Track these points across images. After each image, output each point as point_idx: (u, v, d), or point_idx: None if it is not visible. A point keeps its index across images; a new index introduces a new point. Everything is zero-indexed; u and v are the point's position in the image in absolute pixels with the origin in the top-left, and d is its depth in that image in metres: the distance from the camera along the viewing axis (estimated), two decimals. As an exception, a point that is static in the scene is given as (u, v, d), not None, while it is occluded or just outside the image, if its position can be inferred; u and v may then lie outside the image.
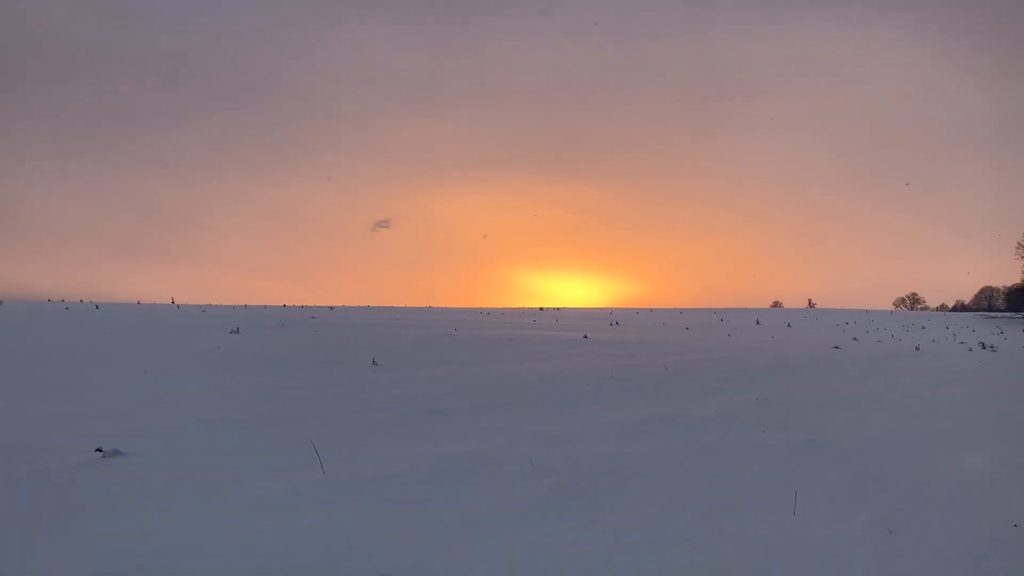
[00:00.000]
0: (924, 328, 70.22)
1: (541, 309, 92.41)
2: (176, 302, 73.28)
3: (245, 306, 68.62)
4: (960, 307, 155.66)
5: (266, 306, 70.20)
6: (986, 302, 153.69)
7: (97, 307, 51.86)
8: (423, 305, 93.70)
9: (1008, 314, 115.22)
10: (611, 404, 10.87)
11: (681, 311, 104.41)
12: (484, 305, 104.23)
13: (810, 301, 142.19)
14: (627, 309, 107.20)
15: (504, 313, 74.59)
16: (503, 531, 5.00)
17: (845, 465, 7.13)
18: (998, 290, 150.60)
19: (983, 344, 37.31)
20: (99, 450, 6.81)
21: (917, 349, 31.00)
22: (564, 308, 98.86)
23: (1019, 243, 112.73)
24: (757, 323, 71.01)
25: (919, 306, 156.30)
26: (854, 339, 43.39)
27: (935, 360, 24.22)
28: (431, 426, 8.76)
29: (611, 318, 67.05)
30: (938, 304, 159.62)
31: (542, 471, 6.54)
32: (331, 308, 67.93)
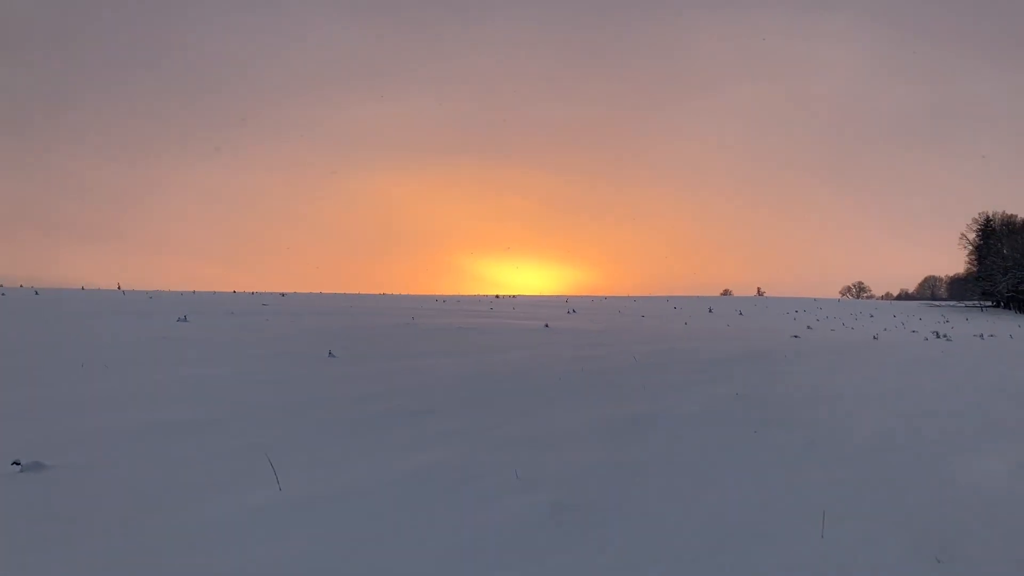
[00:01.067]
0: (872, 316, 71.33)
1: (497, 296, 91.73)
2: (122, 288, 71.01)
3: (193, 292, 66.73)
4: (905, 296, 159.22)
5: (215, 292, 68.36)
6: (929, 291, 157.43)
7: (36, 293, 49.76)
8: (376, 292, 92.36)
9: (951, 303, 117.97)
10: (590, 400, 10.19)
11: (635, 299, 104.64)
12: (438, 292, 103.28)
13: (759, 289, 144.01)
14: (581, 296, 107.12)
15: (460, 300, 73.69)
16: (491, 564, 4.27)
17: (859, 473, 6.52)
18: (941, 280, 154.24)
19: (936, 334, 37.68)
20: (16, 463, 5.88)
21: (875, 339, 31.02)
22: (519, 296, 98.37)
23: (962, 234, 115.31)
24: (710, 311, 71.34)
25: (865, 295, 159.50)
26: (808, 328, 43.59)
27: (896, 350, 24.09)
28: (398, 429, 7.97)
29: (567, 306, 66.68)
30: (883, 293, 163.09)
31: (530, 485, 5.81)
32: (282, 295, 66.37)
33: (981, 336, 37.25)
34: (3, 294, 44.78)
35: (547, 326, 30.63)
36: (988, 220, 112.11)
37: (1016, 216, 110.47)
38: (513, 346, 19.69)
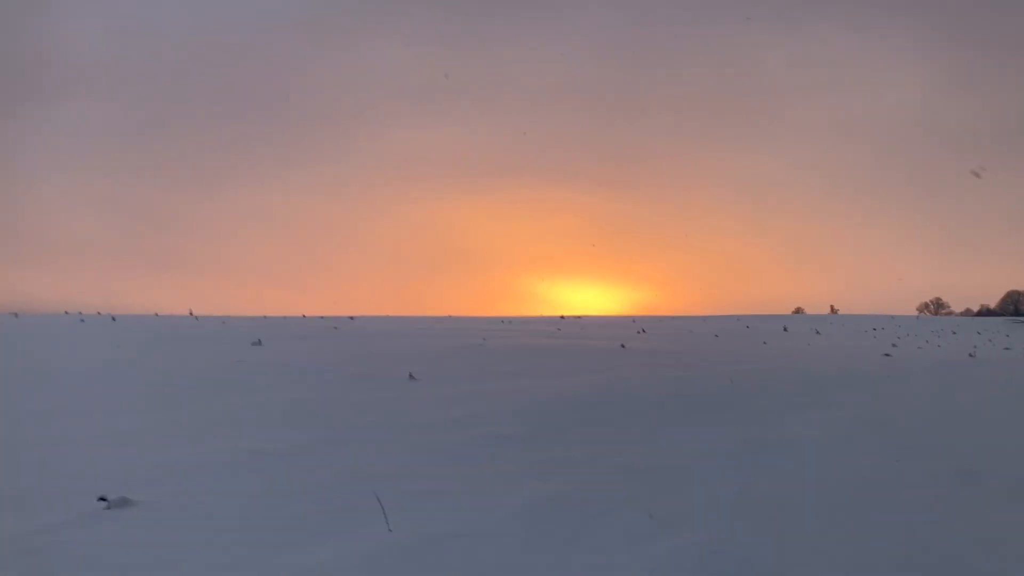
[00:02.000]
0: (955, 333, 68.24)
1: (562, 317, 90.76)
2: (195, 313, 72.28)
3: (264, 317, 67.48)
4: (986, 312, 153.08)
5: (285, 316, 69.03)
6: (1012, 307, 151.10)
7: (114, 319, 50.81)
8: (441, 314, 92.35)
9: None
10: (698, 425, 9.41)
11: (703, 318, 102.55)
12: (502, 314, 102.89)
13: (832, 307, 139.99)
14: (647, 316, 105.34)
15: (526, 321, 73.01)
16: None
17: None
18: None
19: (1036, 350, 35.61)
20: (103, 499, 5.41)
21: (971, 356, 29.35)
22: (584, 316, 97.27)
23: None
24: (785, 329, 69.22)
25: (943, 311, 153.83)
26: (893, 345, 41.71)
27: (997, 368, 22.61)
28: (499, 455, 7.34)
29: (635, 326, 65.44)
30: (963, 308, 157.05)
31: (667, 525, 5.10)
32: (350, 318, 66.67)
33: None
34: (82, 320, 45.81)
35: (623, 346, 29.76)
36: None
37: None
38: (594, 367, 18.95)
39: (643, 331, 54.66)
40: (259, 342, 25.34)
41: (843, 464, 7.19)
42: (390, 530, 4.89)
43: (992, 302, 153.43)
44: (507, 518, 5.26)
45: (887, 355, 29.85)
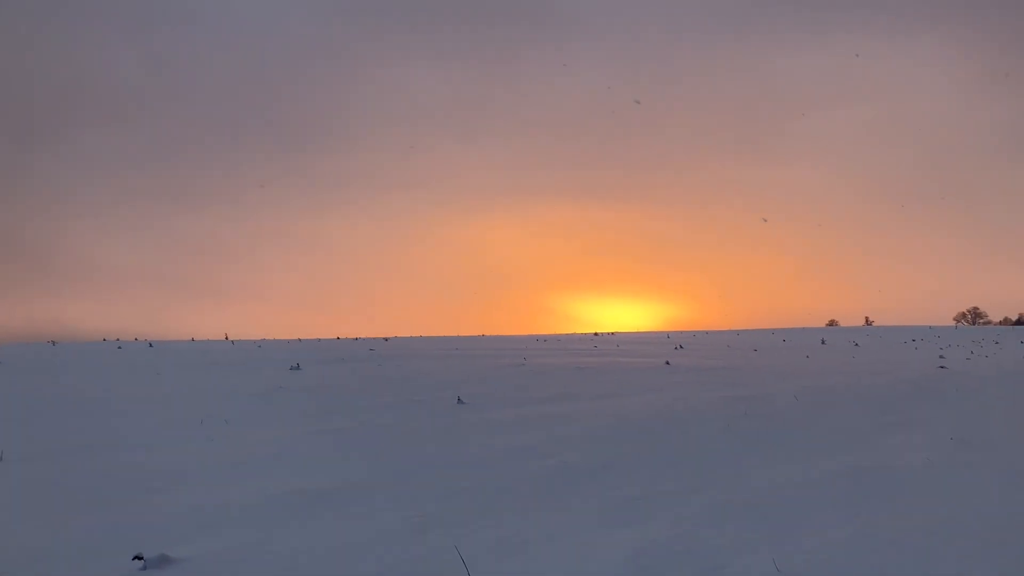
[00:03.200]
0: (997, 343, 66.26)
1: (596, 334, 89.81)
2: (230, 338, 72.35)
3: (299, 340, 67.33)
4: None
5: (320, 339, 68.85)
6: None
7: (151, 345, 50.78)
8: (475, 333, 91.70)
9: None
10: (781, 451, 8.63)
11: (737, 332, 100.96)
12: (536, 332, 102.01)
13: (867, 319, 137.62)
14: (680, 332, 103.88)
15: (560, 339, 72.12)
16: None
17: None
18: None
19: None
20: (139, 557, 4.73)
21: (1032, 365, 28.11)
22: (617, 333, 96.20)
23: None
24: (823, 343, 67.71)
25: (981, 321, 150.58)
26: (941, 356, 40.37)
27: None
28: (580, 493, 6.62)
29: (670, 342, 64.27)
30: (1001, 318, 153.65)
31: (799, 579, 4.38)
32: (385, 339, 66.31)
33: None
34: (120, 348, 45.78)
35: (668, 363, 28.91)
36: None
37: None
38: (645, 387, 18.18)
39: (680, 347, 53.60)
40: (297, 366, 24.85)
41: (964, 496, 6.38)
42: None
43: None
44: (614, 571, 4.56)
45: (942, 367, 28.74)
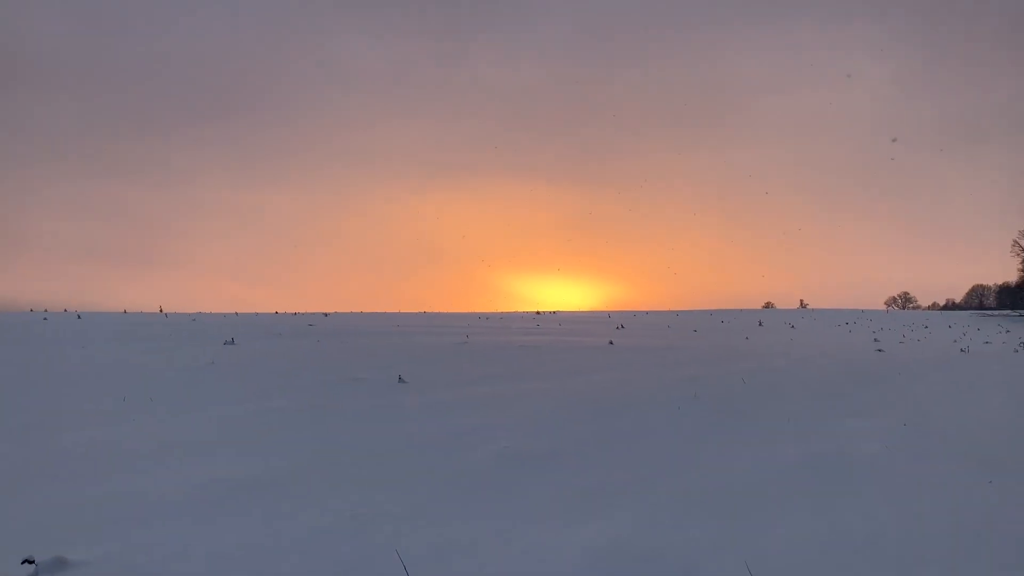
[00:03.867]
0: (927, 327, 68.07)
1: (538, 313, 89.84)
2: (164, 311, 70.26)
3: (236, 314, 65.67)
4: (952, 305, 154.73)
5: (257, 313, 67.31)
6: (977, 300, 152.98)
7: (79, 317, 48.84)
8: (415, 310, 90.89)
9: (1004, 312, 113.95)
10: (733, 438, 8.29)
11: (676, 313, 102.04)
12: (477, 309, 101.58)
13: (802, 301, 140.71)
14: (620, 312, 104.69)
15: (502, 317, 71.87)
16: None
17: None
18: (989, 288, 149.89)
19: (1024, 344, 35.13)
20: (29, 561, 4.08)
21: (964, 352, 28.65)
22: (558, 312, 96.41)
23: (1015, 240, 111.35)
24: (760, 324, 68.75)
25: (911, 305, 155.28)
26: (876, 340, 41.10)
27: (996, 362, 21.92)
28: (526, 484, 6.16)
29: (611, 321, 64.53)
30: (930, 303, 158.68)
31: (779, 586, 3.99)
32: (325, 315, 65.10)
33: (1073, 346, 34.63)
34: (45, 319, 43.88)
35: (612, 343, 28.73)
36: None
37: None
38: (590, 368, 17.84)
39: (622, 327, 53.72)
40: (232, 341, 23.96)
41: (931, 488, 6.10)
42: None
43: (958, 296, 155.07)
44: (574, 575, 4.12)
45: (880, 351, 29.10)
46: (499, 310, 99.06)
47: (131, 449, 7.53)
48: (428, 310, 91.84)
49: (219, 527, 4.97)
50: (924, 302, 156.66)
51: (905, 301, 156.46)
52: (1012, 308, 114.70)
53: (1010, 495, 5.90)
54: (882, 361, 21.67)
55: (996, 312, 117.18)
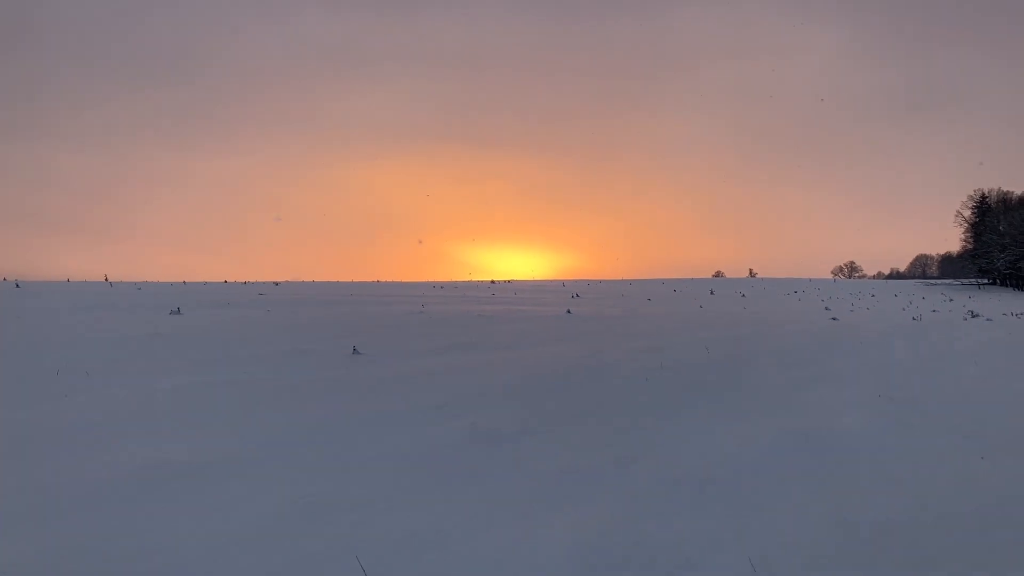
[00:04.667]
0: (873, 296, 69.32)
1: (493, 282, 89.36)
2: (109, 279, 68.16)
3: (183, 283, 64.02)
4: (897, 275, 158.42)
5: (206, 283, 65.69)
6: (920, 269, 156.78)
7: (18, 285, 47.03)
8: (369, 279, 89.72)
9: (946, 281, 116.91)
10: (710, 412, 7.90)
11: (629, 282, 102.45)
12: (431, 279, 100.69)
13: (751, 271, 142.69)
14: (574, 280, 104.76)
15: (457, 286, 71.26)
16: None
17: None
18: (932, 258, 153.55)
19: (972, 313, 35.71)
20: None
21: (916, 320, 28.91)
22: (513, 281, 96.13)
23: (958, 211, 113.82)
24: (712, 293, 69.30)
25: (857, 274, 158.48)
26: (827, 308, 41.52)
27: (952, 330, 22.04)
28: (498, 466, 5.68)
29: (566, 290, 64.36)
30: (875, 272, 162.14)
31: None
32: (276, 284, 63.79)
33: (1015, 315, 35.32)
34: (-21, 287, 42.08)
35: (569, 312, 28.39)
36: (984, 197, 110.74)
37: (1012, 192, 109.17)
38: (550, 337, 17.44)
39: (577, 295, 53.56)
40: (178, 310, 23.05)
41: (930, 468, 5.76)
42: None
43: (902, 265, 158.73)
44: (556, 573, 3.66)
45: (834, 319, 29.24)
46: (454, 279, 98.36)
47: (61, 429, 6.87)
48: (383, 279, 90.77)
49: (152, 518, 4.40)
50: (870, 271, 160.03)
51: (851, 270, 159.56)
52: (954, 277, 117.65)
53: (1008, 473, 5.59)
54: (838, 330, 21.64)
55: (939, 281, 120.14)
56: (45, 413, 7.55)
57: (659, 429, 6.99)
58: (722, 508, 4.63)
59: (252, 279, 73.18)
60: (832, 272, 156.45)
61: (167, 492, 4.93)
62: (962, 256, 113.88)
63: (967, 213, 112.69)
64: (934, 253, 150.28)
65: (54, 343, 14.17)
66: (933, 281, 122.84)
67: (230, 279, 71.46)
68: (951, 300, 62.18)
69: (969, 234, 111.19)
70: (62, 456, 5.86)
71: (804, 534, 4.19)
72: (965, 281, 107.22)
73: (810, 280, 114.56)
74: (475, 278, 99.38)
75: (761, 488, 5.06)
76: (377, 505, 4.67)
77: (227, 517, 4.45)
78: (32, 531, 4.20)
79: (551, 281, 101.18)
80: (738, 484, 5.16)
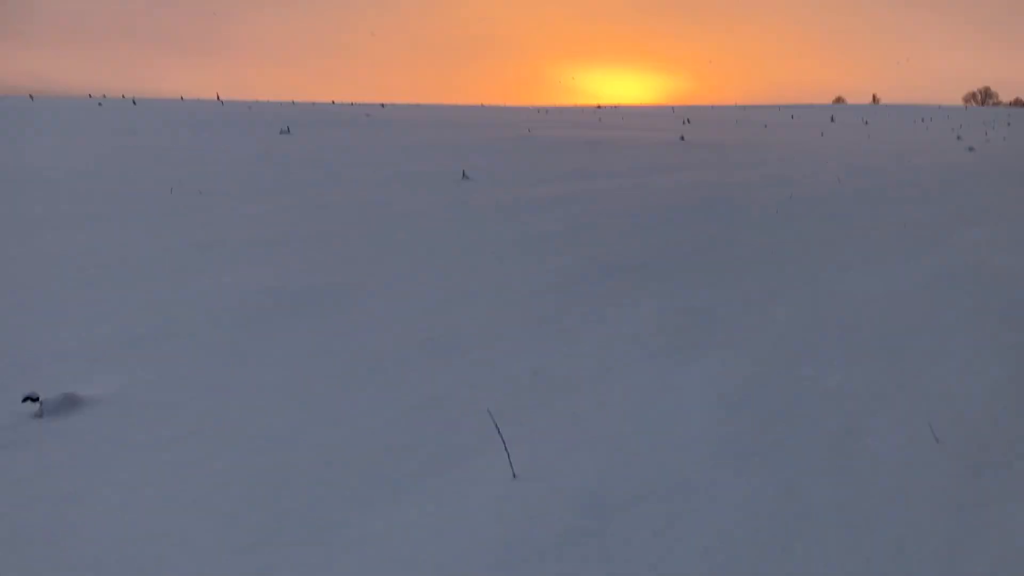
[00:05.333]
0: (1009, 124, 63.71)
1: (599, 107, 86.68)
2: (221, 98, 69.27)
3: (293, 102, 64.41)
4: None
5: (314, 103, 65.97)
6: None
7: (134, 103, 48.22)
8: (471, 103, 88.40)
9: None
10: (851, 248, 7.20)
11: (743, 107, 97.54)
12: (534, 103, 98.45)
13: (875, 96, 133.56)
14: (684, 106, 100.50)
15: (562, 111, 69.34)
16: None
17: None
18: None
19: None
20: (32, 399, 3.29)
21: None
22: (620, 106, 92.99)
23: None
24: (832, 120, 65.24)
25: (992, 101, 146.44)
26: (958, 138, 38.51)
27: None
28: (628, 301, 5.27)
29: (676, 116, 61.74)
30: (1012, 99, 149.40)
31: (953, 449, 3.11)
32: (382, 105, 63.48)
33: None
34: (100, 104, 43.33)
35: (683, 139, 27.10)
36: None
37: None
38: (666, 165, 16.58)
39: (688, 121, 51.30)
40: (288, 130, 23.05)
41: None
42: (515, 476, 2.91)
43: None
44: (703, 416, 3.29)
45: (971, 148, 26.99)
46: (558, 104, 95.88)
47: (173, 249, 6.80)
48: (486, 103, 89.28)
49: (257, 355, 4.22)
50: (1005, 97, 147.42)
51: (985, 96, 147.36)
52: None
53: None
54: (979, 162, 19.90)
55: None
56: (157, 233, 7.50)
57: (796, 268, 6.39)
58: (885, 360, 4.10)
59: (359, 100, 73.09)
60: (964, 99, 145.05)
61: (271, 325, 4.74)
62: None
63: None
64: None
65: (166, 161, 14.27)
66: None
67: (337, 99, 71.56)
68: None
69: None
70: (170, 282, 5.77)
71: (988, 394, 3.66)
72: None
73: (939, 107, 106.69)
74: (579, 103, 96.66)
75: (923, 334, 4.49)
76: (495, 341, 4.36)
77: (332, 353, 4.23)
78: (147, 360, 4.08)
79: (658, 107, 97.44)
80: (895, 329, 4.60)
